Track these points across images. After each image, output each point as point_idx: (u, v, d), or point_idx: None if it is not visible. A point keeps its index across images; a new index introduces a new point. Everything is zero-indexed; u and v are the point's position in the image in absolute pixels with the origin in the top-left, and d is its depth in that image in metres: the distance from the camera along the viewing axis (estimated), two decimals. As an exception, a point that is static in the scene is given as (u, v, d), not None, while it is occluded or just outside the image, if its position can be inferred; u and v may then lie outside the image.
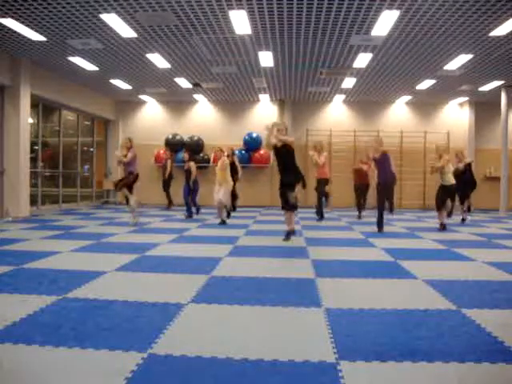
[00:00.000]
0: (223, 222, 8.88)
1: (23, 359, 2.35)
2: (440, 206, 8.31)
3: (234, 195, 10.78)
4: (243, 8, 7.00)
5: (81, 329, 2.81)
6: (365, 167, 10.45)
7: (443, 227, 8.27)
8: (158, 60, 10.02)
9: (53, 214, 10.99)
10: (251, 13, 7.21)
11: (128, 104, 15.21)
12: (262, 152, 14.28)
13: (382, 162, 7.89)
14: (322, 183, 9.94)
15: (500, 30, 7.68)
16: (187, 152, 10.86)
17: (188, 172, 10.29)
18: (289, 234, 6.71)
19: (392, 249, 6.10)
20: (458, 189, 9.13)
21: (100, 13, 7.19)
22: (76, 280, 4.06)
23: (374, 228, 8.01)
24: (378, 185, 8.02)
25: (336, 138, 14.66)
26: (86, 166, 14.45)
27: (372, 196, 9.80)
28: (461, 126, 14.84)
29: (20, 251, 5.62)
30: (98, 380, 2.14)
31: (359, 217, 10.54)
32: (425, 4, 6.76)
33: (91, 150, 14.90)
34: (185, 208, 10.43)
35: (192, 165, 10.23)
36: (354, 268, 4.87)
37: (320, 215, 9.91)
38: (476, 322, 3.01)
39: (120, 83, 12.43)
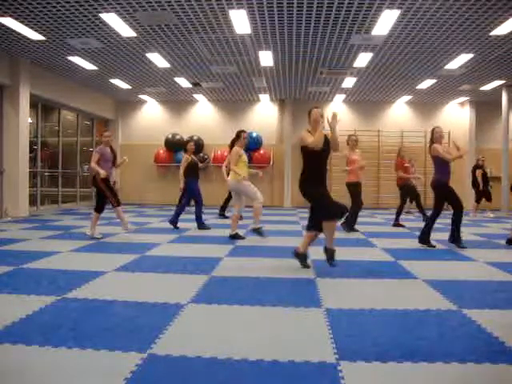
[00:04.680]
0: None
1: (23, 359, 2.34)
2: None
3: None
4: (243, 7, 6.99)
5: (80, 329, 2.80)
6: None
7: None
8: (158, 59, 10.01)
9: (52, 214, 10.99)
10: (251, 12, 7.20)
11: (128, 104, 15.20)
12: (262, 152, 14.29)
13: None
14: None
15: (501, 30, 7.68)
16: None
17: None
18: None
19: (392, 249, 6.10)
20: None
21: (100, 12, 7.18)
22: (76, 280, 4.05)
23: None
24: (442, 185, 6.16)
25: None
26: (86, 166, 14.42)
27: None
28: (461, 125, 14.83)
29: (19, 251, 5.61)
30: (97, 380, 2.13)
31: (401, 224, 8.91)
32: (425, 3, 6.75)
33: (91, 149, 14.86)
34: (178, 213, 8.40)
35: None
36: (354, 268, 4.86)
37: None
38: (476, 322, 3.00)
39: (120, 83, 12.42)
